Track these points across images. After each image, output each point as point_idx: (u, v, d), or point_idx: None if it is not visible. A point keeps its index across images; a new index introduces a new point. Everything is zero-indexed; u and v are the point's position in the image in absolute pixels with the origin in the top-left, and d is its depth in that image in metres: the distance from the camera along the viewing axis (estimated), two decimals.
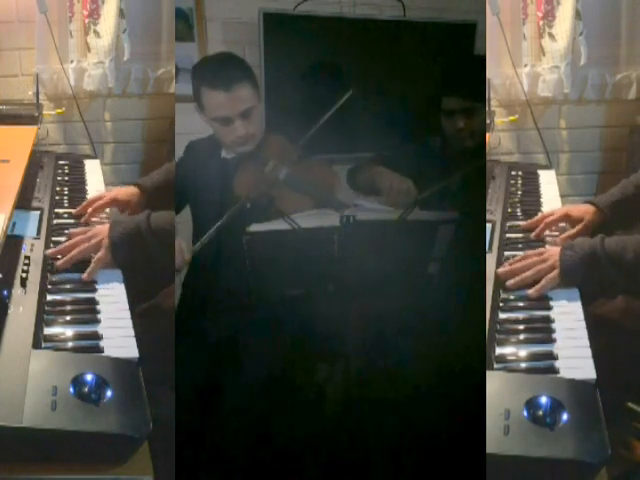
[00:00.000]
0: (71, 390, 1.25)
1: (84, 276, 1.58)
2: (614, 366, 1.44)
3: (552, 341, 1.41)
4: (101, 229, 1.68)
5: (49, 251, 1.66)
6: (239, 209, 1.63)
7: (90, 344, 1.37)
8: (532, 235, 1.85)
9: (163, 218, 1.67)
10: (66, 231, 1.77)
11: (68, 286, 1.57)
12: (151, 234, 1.64)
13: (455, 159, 1.99)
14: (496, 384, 1.29)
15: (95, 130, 2.86)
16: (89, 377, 1.27)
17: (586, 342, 1.39)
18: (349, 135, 2.86)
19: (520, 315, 1.51)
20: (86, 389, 1.25)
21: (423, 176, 1.83)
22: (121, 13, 2.82)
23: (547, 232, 1.86)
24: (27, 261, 1.60)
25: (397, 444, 1.51)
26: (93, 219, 1.89)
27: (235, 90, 1.74)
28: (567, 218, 1.89)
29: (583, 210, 1.89)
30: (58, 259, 1.63)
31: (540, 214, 1.94)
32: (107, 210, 1.96)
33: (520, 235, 1.88)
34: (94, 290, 1.56)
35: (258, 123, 1.84)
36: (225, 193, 1.81)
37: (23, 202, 1.88)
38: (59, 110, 2.85)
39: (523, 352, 1.38)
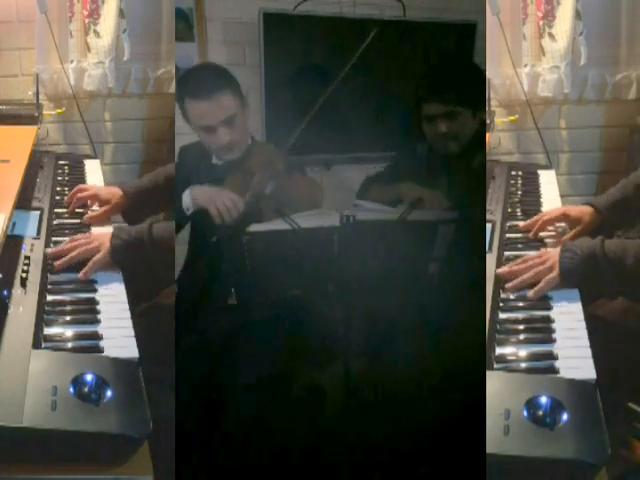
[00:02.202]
0: (71, 390, 1.24)
1: (80, 275, 1.59)
2: (614, 366, 1.44)
3: (552, 341, 1.41)
4: (102, 234, 1.70)
5: (49, 250, 1.66)
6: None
7: (90, 344, 1.37)
8: (530, 235, 1.85)
9: (164, 228, 1.69)
10: (67, 231, 1.77)
11: (68, 286, 1.57)
12: (151, 243, 1.66)
13: (440, 164, 1.97)
14: (496, 384, 1.28)
15: (95, 130, 2.86)
16: (89, 377, 1.27)
17: (586, 342, 1.39)
18: (348, 135, 2.86)
19: (520, 315, 1.51)
20: (86, 389, 1.25)
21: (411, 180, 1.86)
22: (121, 13, 2.83)
23: (545, 232, 1.86)
24: (27, 261, 1.60)
25: (397, 444, 1.51)
26: (92, 222, 1.90)
27: (216, 99, 1.77)
28: (565, 217, 1.88)
29: (581, 210, 1.88)
30: (58, 259, 1.63)
31: (538, 215, 1.94)
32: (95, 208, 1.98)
33: (520, 235, 1.88)
34: (94, 290, 1.56)
35: (242, 130, 1.87)
36: None
37: (23, 202, 1.88)
38: (59, 110, 2.86)
39: (523, 352, 1.38)
